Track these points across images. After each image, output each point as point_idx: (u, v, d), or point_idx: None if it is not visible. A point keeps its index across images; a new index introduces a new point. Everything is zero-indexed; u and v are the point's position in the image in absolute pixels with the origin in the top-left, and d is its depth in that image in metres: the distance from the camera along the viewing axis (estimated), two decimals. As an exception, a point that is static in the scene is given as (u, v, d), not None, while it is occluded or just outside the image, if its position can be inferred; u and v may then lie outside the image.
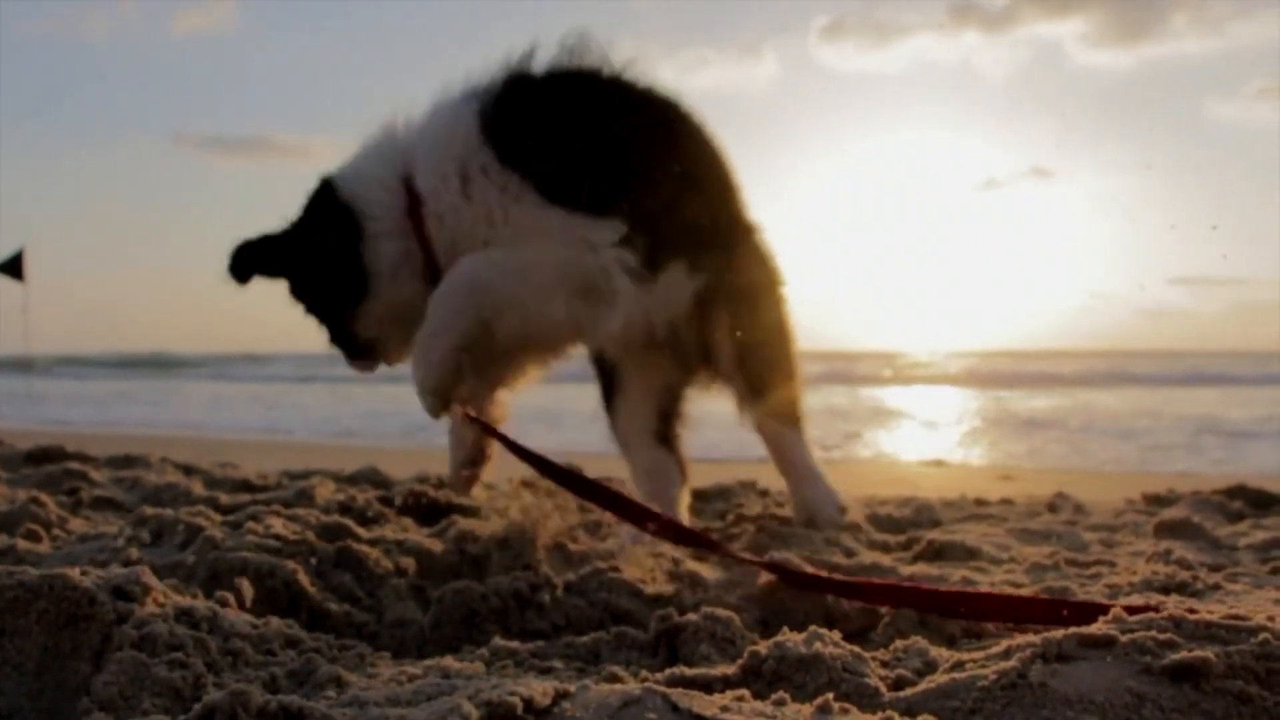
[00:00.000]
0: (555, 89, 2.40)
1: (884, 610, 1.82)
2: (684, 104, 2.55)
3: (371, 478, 3.49)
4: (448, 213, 2.32)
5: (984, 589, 2.03)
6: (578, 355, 2.67)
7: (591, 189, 2.26)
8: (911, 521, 3.14)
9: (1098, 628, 1.39)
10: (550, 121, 2.33)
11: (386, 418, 11.18)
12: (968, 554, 2.51)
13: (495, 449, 2.58)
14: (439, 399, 2.28)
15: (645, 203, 2.31)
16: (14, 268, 12.68)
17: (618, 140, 2.36)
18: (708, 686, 1.36)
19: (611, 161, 2.33)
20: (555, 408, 9.39)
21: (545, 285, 2.26)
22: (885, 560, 2.40)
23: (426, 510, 2.86)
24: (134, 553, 2.02)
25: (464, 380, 2.28)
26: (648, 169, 2.37)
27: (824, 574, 1.96)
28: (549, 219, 2.26)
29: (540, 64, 2.42)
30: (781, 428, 2.77)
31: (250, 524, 2.19)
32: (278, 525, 2.21)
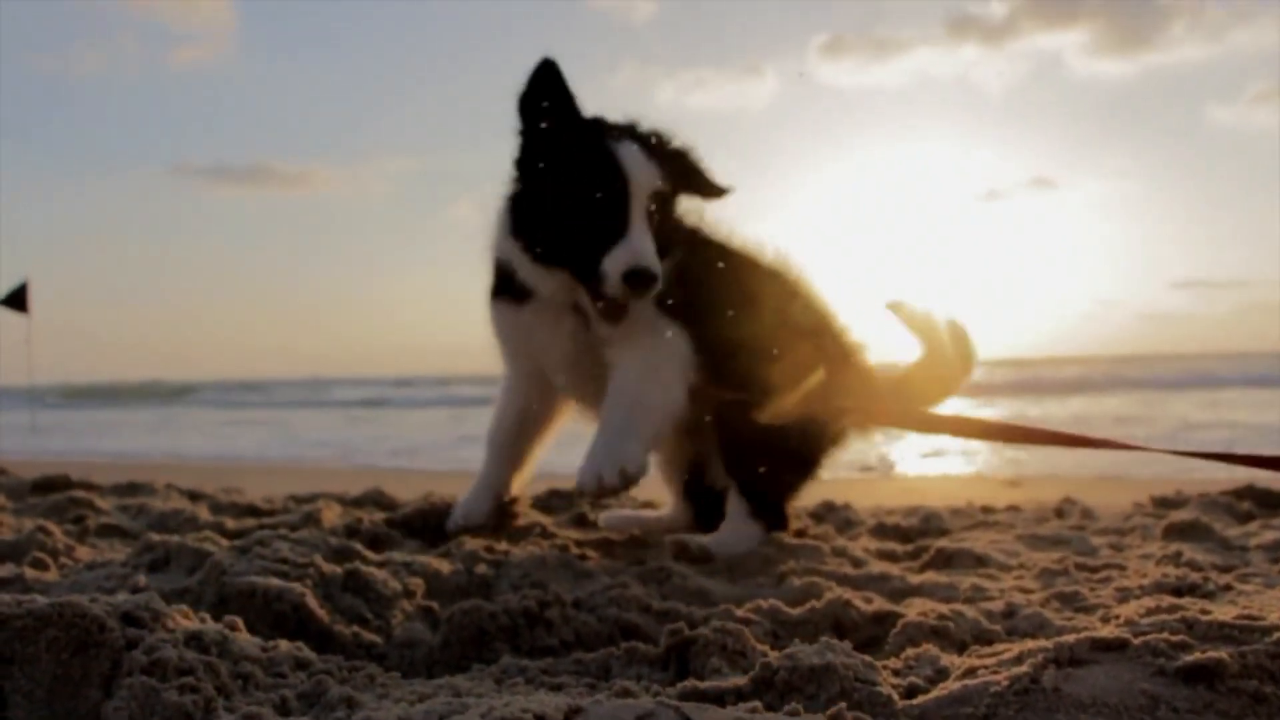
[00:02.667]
0: None
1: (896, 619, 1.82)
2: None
3: (377, 500, 3.49)
4: None
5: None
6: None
7: None
8: (919, 530, 3.14)
9: (1110, 631, 1.39)
10: None
11: (388, 440, 11.18)
12: (976, 561, 2.50)
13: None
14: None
15: None
16: (18, 300, 12.72)
17: None
18: (720, 699, 1.35)
19: None
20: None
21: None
22: (893, 569, 2.40)
23: (434, 531, 2.86)
24: (142, 579, 2.02)
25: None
26: None
27: None
28: None
29: None
30: None
31: (257, 548, 2.18)
32: (285, 549, 2.21)
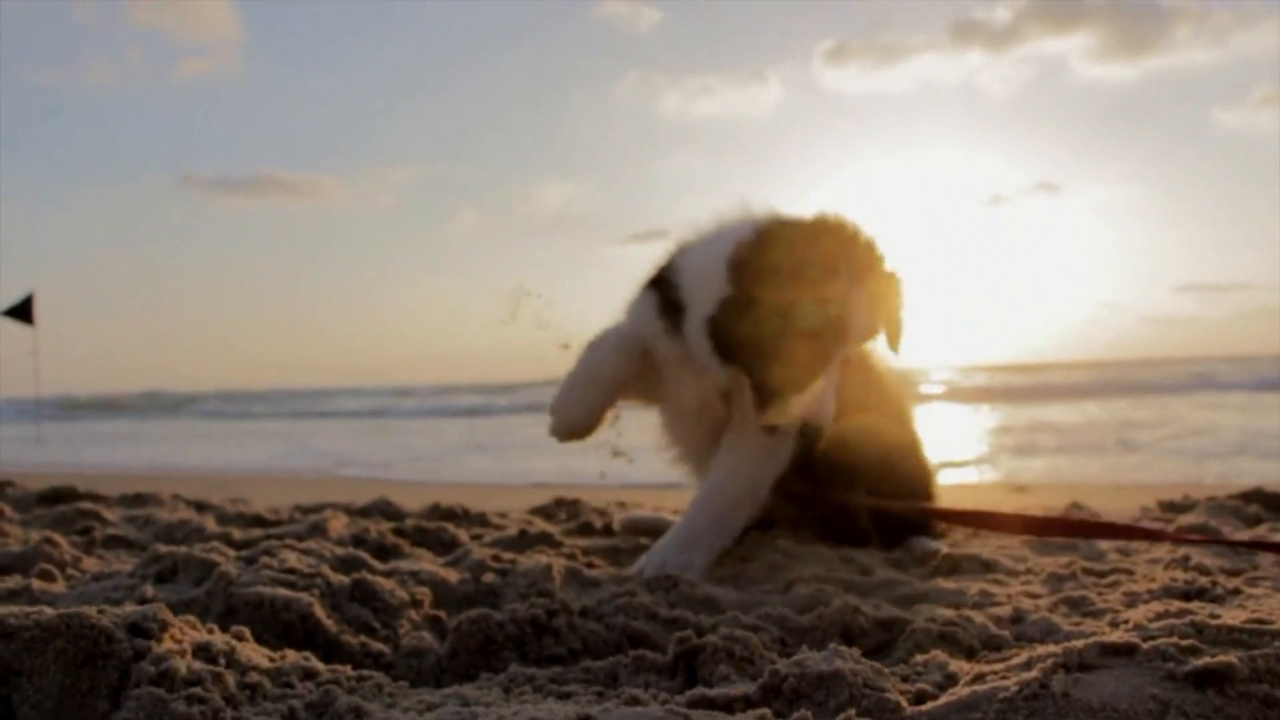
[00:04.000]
0: None
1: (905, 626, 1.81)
2: None
3: (383, 509, 3.49)
4: None
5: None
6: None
7: None
8: (926, 536, 3.12)
9: (1119, 636, 1.39)
10: None
11: (394, 449, 11.19)
12: (984, 567, 2.50)
13: None
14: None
15: None
16: (24, 312, 12.76)
17: None
18: (729, 707, 1.35)
19: None
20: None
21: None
22: (901, 575, 2.39)
23: (441, 540, 2.86)
24: (149, 590, 2.02)
25: None
26: None
27: None
28: None
29: None
30: None
31: (264, 558, 2.19)
32: (292, 559, 2.21)
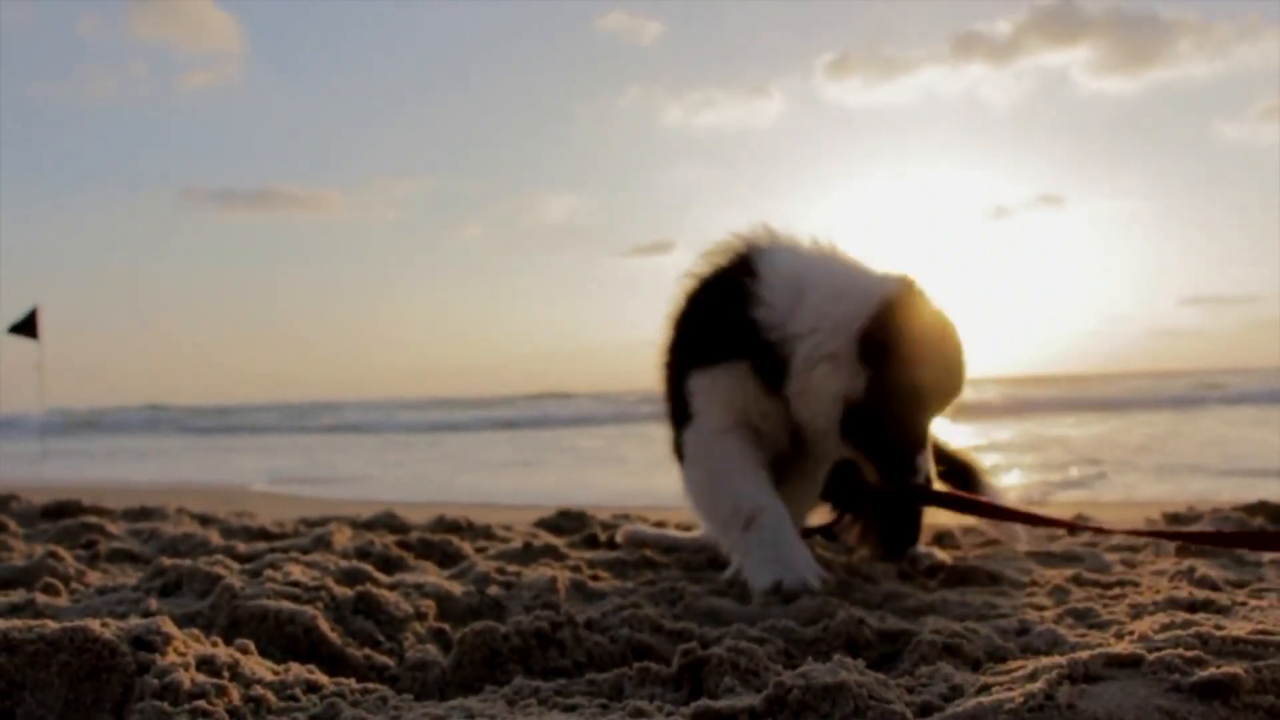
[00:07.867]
0: None
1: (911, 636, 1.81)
2: None
3: (388, 523, 3.49)
4: None
5: None
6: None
7: None
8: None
9: (1124, 647, 1.38)
10: None
11: (400, 464, 11.18)
12: (990, 579, 2.49)
13: None
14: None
15: None
16: (28, 326, 12.80)
17: None
18: (734, 718, 1.35)
19: None
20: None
21: None
22: (906, 587, 2.39)
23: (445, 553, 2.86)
24: (153, 603, 2.02)
25: None
26: None
27: None
28: None
29: None
30: None
31: (269, 571, 2.19)
32: (296, 572, 2.21)
